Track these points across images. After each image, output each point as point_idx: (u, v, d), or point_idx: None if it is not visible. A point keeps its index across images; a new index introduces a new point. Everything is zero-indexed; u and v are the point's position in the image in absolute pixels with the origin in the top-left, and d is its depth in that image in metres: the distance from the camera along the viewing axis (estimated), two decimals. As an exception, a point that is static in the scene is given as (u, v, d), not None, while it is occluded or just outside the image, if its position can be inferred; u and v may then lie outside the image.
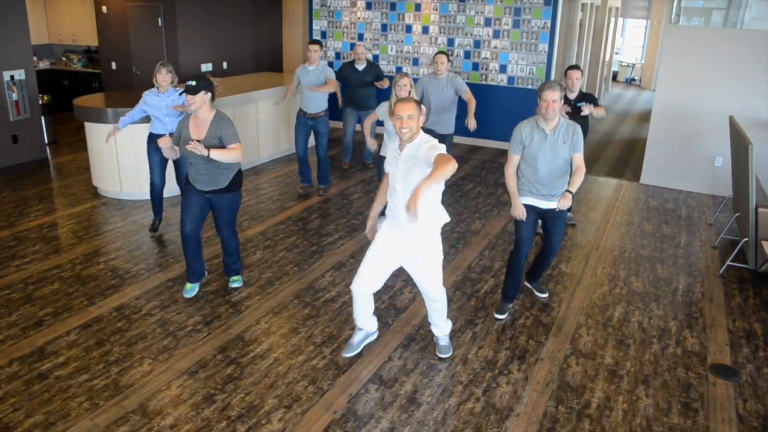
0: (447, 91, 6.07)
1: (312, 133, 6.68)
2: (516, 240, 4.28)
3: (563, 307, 4.58)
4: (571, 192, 4.00)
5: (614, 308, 4.60)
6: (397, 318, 4.32)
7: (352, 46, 9.90)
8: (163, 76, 5.17)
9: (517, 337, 4.16)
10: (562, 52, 9.51)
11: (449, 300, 4.62)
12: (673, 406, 3.52)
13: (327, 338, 4.08)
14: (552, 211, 4.14)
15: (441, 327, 3.90)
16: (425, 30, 9.41)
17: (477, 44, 9.11)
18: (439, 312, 3.81)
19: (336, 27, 10.03)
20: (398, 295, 4.66)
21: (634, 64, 18.25)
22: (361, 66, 7.28)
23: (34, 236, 5.59)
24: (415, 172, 3.26)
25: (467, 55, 9.21)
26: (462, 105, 6.22)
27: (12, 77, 7.20)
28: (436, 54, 6.08)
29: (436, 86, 6.09)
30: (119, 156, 6.43)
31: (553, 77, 8.77)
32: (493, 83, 9.13)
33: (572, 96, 5.51)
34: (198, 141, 3.96)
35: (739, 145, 5.47)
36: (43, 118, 8.07)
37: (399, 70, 9.70)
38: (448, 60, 6.10)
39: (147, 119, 5.45)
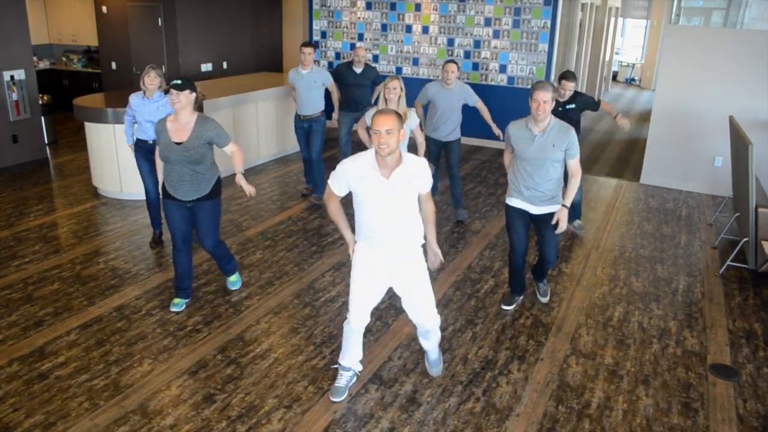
0: (457, 101, 5.85)
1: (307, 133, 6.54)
2: (509, 243, 4.32)
3: (563, 307, 4.58)
4: (566, 206, 3.95)
5: (614, 308, 4.60)
6: (397, 318, 4.32)
7: (352, 46, 9.90)
8: (152, 80, 4.97)
9: (517, 337, 4.16)
10: (562, 52, 9.52)
11: (449, 300, 4.63)
12: (673, 406, 3.52)
13: (327, 338, 4.08)
14: (541, 216, 4.10)
15: (434, 360, 3.68)
16: (425, 30, 9.41)
17: (477, 44, 9.12)
18: (434, 344, 3.57)
19: (336, 27, 10.03)
20: (398, 296, 4.64)
21: (634, 64, 18.26)
22: (359, 69, 7.12)
23: (34, 236, 5.59)
24: (406, 198, 3.13)
25: (467, 55, 9.21)
26: (466, 110, 6.07)
27: (12, 77, 7.20)
28: (445, 63, 5.76)
29: (446, 96, 5.82)
30: (119, 156, 6.43)
31: (553, 77, 8.77)
32: (493, 83, 9.13)
33: (562, 100, 5.38)
34: (241, 175, 4.08)
35: (739, 145, 5.47)
36: (43, 118, 8.06)
37: (399, 70, 9.70)
38: (458, 69, 5.84)
39: None
